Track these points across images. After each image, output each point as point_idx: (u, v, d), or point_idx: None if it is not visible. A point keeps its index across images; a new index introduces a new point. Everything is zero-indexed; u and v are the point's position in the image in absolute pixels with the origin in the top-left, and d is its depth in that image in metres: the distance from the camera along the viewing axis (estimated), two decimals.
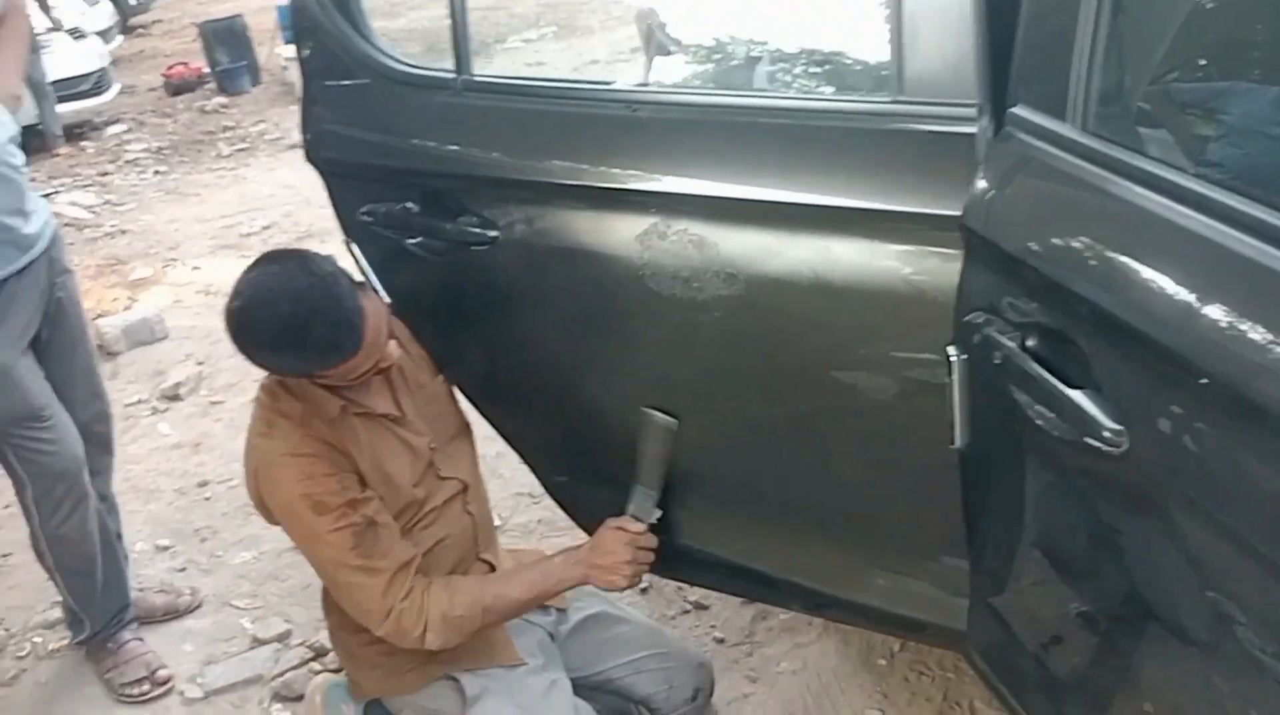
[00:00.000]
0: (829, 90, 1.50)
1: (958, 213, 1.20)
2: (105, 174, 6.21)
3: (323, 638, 2.18)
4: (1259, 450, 0.85)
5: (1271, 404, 0.82)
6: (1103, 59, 1.07)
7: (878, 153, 1.29)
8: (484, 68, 1.59)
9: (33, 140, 5.34)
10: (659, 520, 1.61)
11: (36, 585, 2.43)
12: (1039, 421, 1.10)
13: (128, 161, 6.42)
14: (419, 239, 1.66)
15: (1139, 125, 1.16)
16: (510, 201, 1.56)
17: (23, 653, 2.34)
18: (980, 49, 1.17)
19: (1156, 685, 1.12)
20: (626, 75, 1.69)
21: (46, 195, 2.28)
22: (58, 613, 2.34)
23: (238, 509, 2.79)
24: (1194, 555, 0.97)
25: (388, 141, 1.66)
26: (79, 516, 2.08)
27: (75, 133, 6.87)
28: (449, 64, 1.58)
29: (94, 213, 5.50)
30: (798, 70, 1.59)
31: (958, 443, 1.28)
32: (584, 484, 1.79)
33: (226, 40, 7.63)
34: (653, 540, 1.59)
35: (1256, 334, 0.84)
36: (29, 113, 5.80)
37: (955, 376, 1.24)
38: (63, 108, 6.56)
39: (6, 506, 2.69)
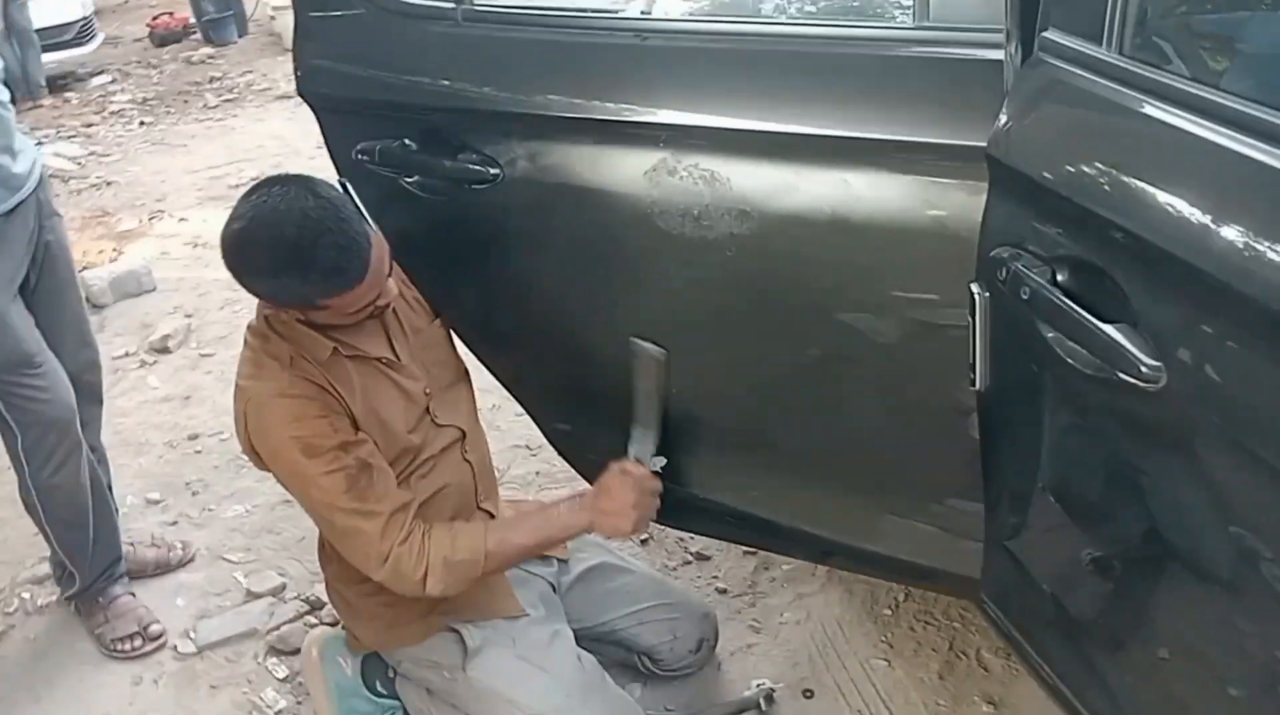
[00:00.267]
0: (848, 17, 1.44)
1: (982, 143, 1.15)
2: (90, 125, 6.09)
3: (318, 591, 2.15)
4: None
5: None
6: None
7: (899, 81, 1.23)
8: None
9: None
10: (663, 468, 1.57)
11: (24, 539, 2.39)
12: (1069, 359, 1.05)
13: (113, 112, 6.30)
14: (416, 178, 1.60)
15: (1179, 47, 1.10)
16: (513, 137, 1.49)
17: (10, 609, 2.29)
18: None
19: (1176, 629, 1.09)
20: (634, 3, 1.61)
21: (38, 143, 2.20)
22: (46, 568, 2.30)
23: (229, 462, 2.75)
24: (1225, 493, 0.94)
25: (384, 75, 1.59)
26: (71, 466, 2.03)
27: (59, 84, 6.73)
28: None
29: (79, 164, 5.40)
30: None
31: (978, 384, 1.24)
32: (587, 431, 1.74)
33: None
34: (658, 484, 1.55)
35: None
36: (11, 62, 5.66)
37: (978, 315, 1.20)
38: (46, 57, 6.41)
39: None
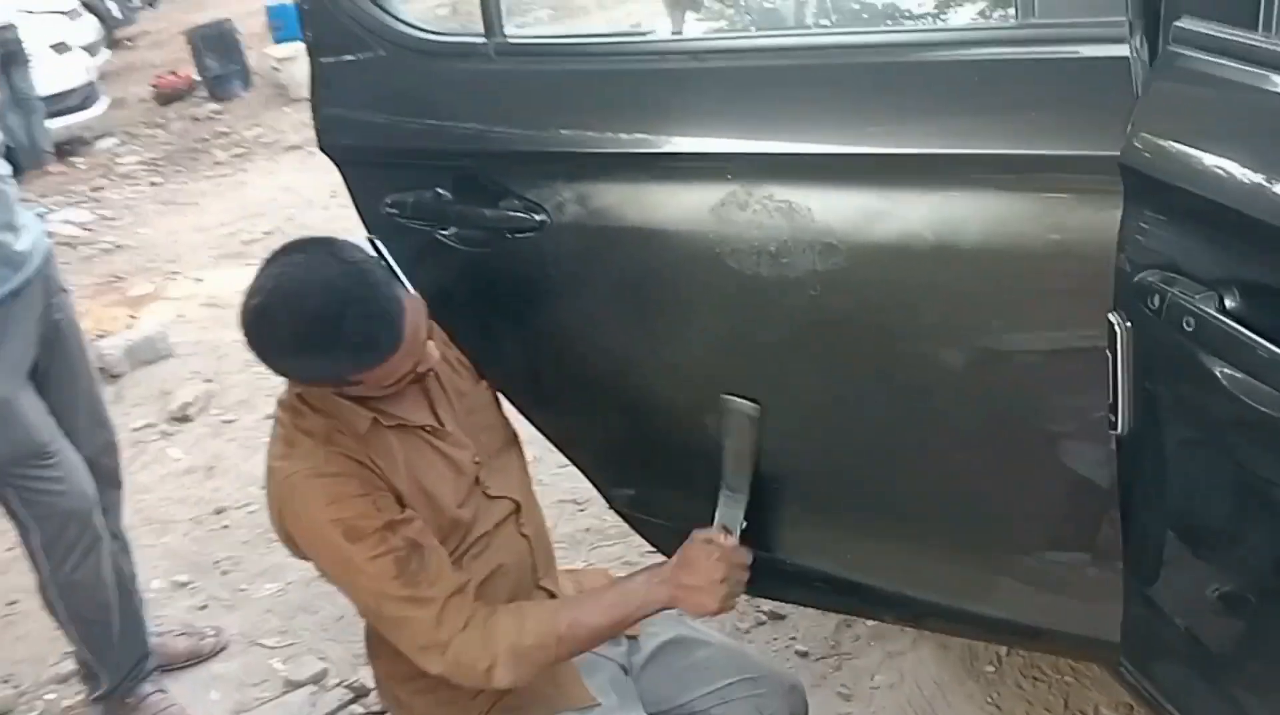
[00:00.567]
0: (936, 21, 1.29)
1: (1112, 152, 0.99)
2: (98, 189, 6.01)
3: (364, 676, 1.99)
4: None
5: None
6: None
7: (1004, 87, 1.08)
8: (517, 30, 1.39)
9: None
10: (744, 530, 1.41)
11: (47, 635, 2.24)
12: (1246, 398, 0.89)
13: (121, 175, 6.22)
14: (453, 229, 1.46)
15: None
16: (558, 179, 1.35)
17: (34, 713, 2.14)
18: None
19: None
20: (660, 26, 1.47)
21: (39, 215, 2.09)
22: (71, 665, 2.15)
23: (259, 536, 2.60)
24: None
25: (411, 121, 1.46)
26: (92, 561, 1.89)
27: (65, 149, 6.66)
28: (477, 28, 1.38)
29: (89, 229, 5.31)
30: None
31: (1119, 427, 1.08)
32: (653, 494, 1.58)
33: (215, 45, 7.43)
34: (747, 555, 1.39)
35: None
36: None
37: (1120, 349, 1.04)
38: (52, 123, 6.35)
39: (9, 549, 2.50)
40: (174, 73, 7.79)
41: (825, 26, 1.24)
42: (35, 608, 2.21)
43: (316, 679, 2.10)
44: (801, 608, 2.02)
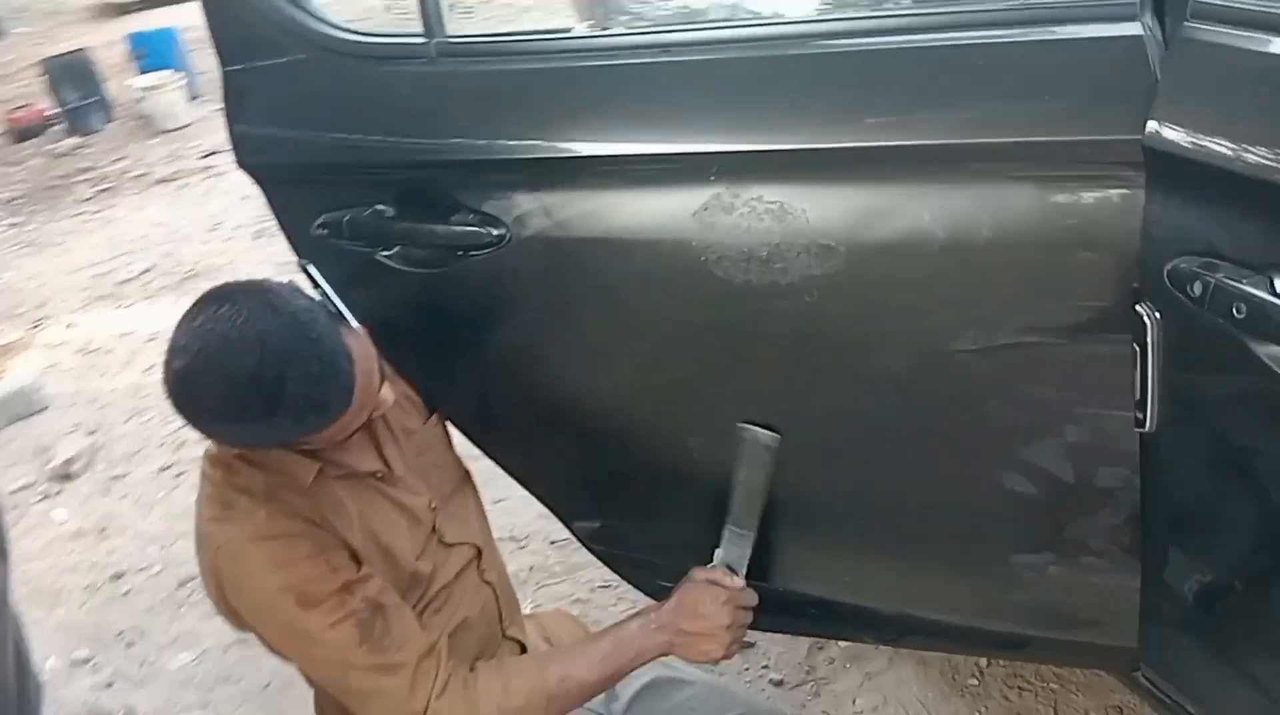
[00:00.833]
0: (925, 3, 1.22)
1: (1133, 135, 0.94)
2: None
3: None
4: None
5: None
6: None
7: (1010, 70, 1.01)
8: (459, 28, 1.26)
9: None
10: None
11: None
12: None
13: None
14: (396, 249, 1.33)
15: None
16: (518, 189, 1.23)
17: None
18: None
19: None
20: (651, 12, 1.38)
21: None
22: None
23: (165, 601, 2.37)
24: None
25: (344, 131, 1.32)
26: None
27: None
28: (415, 27, 1.25)
29: None
30: None
31: (1148, 424, 1.02)
32: (628, 527, 1.46)
33: (72, 77, 6.96)
34: (754, 596, 1.28)
35: None
36: None
37: (1150, 341, 0.98)
38: None
39: None
40: (27, 106, 7.29)
41: (821, 14, 1.15)
42: None
43: None
44: (770, 635, 1.93)
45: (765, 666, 1.89)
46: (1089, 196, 0.99)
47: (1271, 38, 0.88)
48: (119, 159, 6.40)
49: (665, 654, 1.29)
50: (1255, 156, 0.86)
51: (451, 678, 1.22)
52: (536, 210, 1.22)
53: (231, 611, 1.23)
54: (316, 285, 1.17)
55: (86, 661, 2.23)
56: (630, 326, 1.25)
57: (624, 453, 1.37)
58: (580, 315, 1.27)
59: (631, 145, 1.16)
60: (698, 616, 1.25)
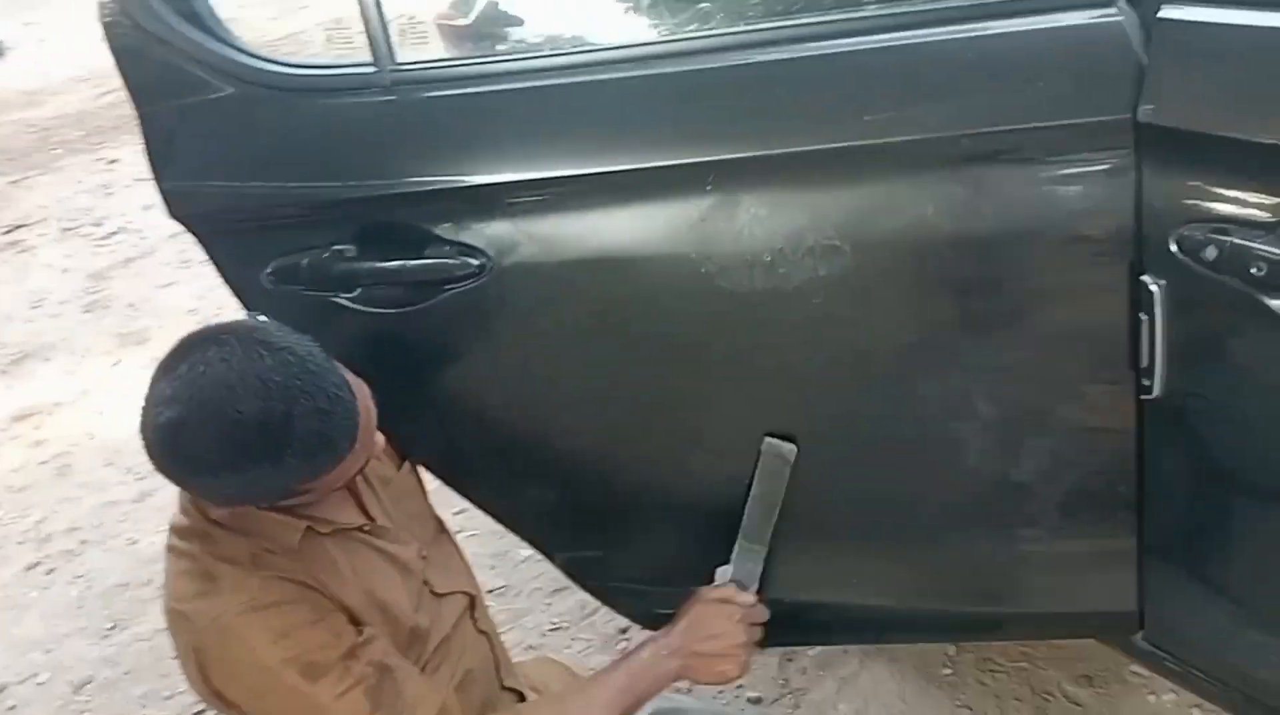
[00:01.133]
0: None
1: (1124, 114, 0.99)
2: None
3: None
4: None
5: None
6: None
7: (1003, 60, 1.05)
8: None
9: None
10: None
11: None
12: None
13: None
14: (359, 291, 1.24)
15: None
16: (496, 215, 1.18)
17: None
18: None
19: None
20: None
21: None
22: None
23: (60, 710, 2.13)
24: None
25: (291, 171, 1.23)
26: None
27: None
28: (363, 57, 1.19)
29: None
30: None
31: (1156, 389, 1.07)
32: (628, 557, 1.41)
33: None
34: (765, 612, 1.25)
35: None
36: None
37: (1158, 309, 1.03)
38: None
39: None
40: None
41: (807, 14, 1.15)
42: None
43: None
44: None
45: (740, 686, 1.86)
46: (1083, 179, 1.04)
47: (1244, 11, 0.94)
48: None
49: (679, 679, 1.25)
50: (1252, 123, 0.92)
51: None
52: (518, 236, 1.17)
53: (216, 695, 1.12)
54: None
55: None
56: (629, 348, 1.22)
57: (627, 479, 1.33)
58: (577, 338, 1.22)
59: (615, 161, 1.13)
60: (711, 637, 1.21)
